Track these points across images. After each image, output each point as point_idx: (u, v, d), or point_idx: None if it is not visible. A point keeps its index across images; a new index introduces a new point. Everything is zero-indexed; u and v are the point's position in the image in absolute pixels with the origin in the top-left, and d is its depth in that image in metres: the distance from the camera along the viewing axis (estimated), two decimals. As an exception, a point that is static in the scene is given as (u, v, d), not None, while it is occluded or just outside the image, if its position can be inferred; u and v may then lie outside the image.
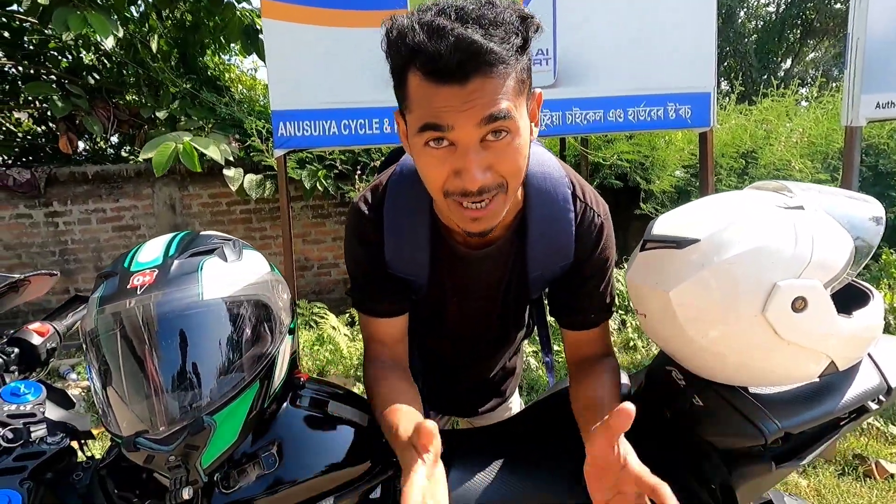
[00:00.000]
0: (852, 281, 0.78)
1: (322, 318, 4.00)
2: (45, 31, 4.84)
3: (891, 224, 5.20)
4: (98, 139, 5.06)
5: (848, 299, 0.73)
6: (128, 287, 0.63)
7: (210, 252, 0.70)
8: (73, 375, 4.12)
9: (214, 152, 3.63)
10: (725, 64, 12.74)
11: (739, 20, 12.68)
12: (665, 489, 0.56)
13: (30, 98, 5.16)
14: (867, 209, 0.71)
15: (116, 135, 5.34)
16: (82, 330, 0.66)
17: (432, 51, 0.58)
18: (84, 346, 0.66)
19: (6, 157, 5.13)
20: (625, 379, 0.95)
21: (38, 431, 0.76)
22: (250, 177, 4.24)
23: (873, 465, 2.20)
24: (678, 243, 0.72)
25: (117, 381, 0.63)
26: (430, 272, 0.85)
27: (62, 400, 0.87)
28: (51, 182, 4.35)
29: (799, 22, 12.40)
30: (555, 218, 0.81)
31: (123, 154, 5.61)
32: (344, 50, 3.30)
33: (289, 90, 3.42)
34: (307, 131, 3.70)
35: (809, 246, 0.66)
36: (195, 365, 0.63)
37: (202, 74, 5.16)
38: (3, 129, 5.33)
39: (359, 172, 4.17)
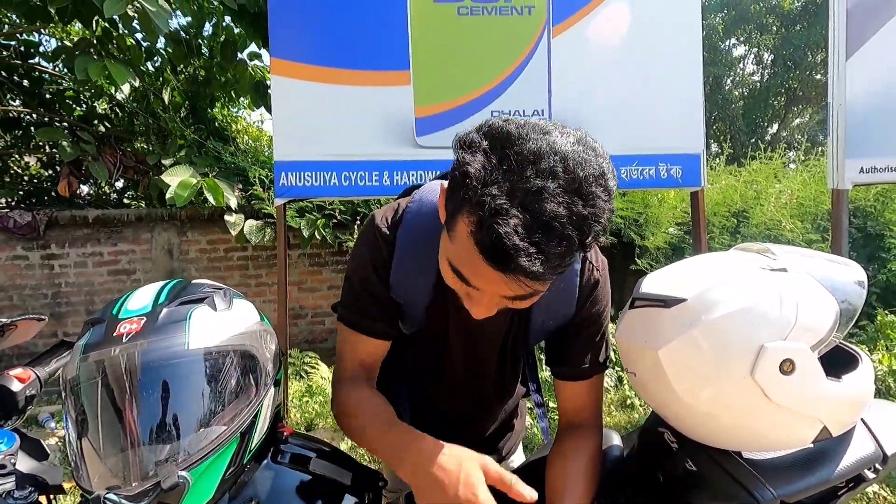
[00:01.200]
0: (840, 343, 0.78)
1: (313, 367, 3.93)
2: (62, 81, 5.06)
3: (883, 285, 5.24)
4: (102, 184, 5.16)
5: (836, 363, 0.73)
6: (114, 335, 0.63)
7: (200, 301, 0.70)
8: (52, 424, 3.96)
9: (228, 194, 3.70)
10: (714, 127, 13.27)
11: (727, 87, 13.33)
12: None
13: (40, 143, 5.30)
14: (849, 273, 0.72)
15: (121, 180, 5.46)
16: (63, 377, 0.65)
17: (491, 245, 0.56)
18: (63, 393, 0.64)
19: (10, 200, 5.20)
20: (617, 440, 0.93)
21: (6, 485, 0.73)
22: (250, 223, 4.29)
23: (883, 540, 2.09)
24: (665, 302, 0.73)
25: (93, 431, 0.61)
26: (430, 304, 0.85)
27: (35, 451, 0.84)
28: (51, 225, 4.39)
29: (783, 90, 13.05)
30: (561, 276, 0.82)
31: (126, 200, 5.70)
32: (347, 106, 3.44)
33: (292, 142, 3.54)
34: (308, 181, 3.78)
35: (794, 308, 0.67)
36: (175, 417, 0.62)
37: (210, 125, 5.33)
38: (11, 172, 5.44)
39: (358, 223, 4.23)
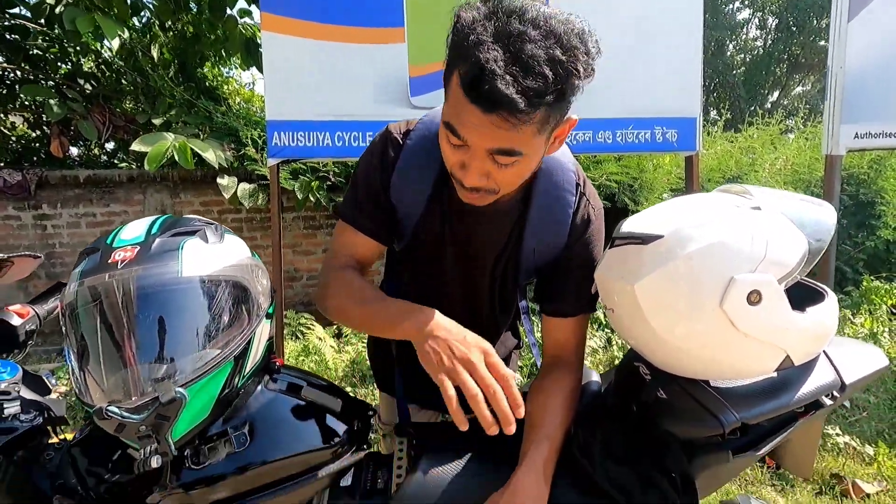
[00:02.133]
0: (809, 283, 0.82)
1: (309, 328, 3.99)
2: (48, 35, 4.90)
3: (871, 252, 5.31)
4: (92, 145, 5.08)
5: (804, 299, 0.76)
6: (109, 262, 0.65)
7: (192, 233, 0.72)
8: (53, 380, 4.06)
9: (210, 156, 3.66)
10: (714, 94, 13.10)
11: (728, 52, 13.08)
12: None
13: (26, 102, 5.18)
14: (821, 212, 0.75)
15: (111, 141, 5.37)
16: (62, 303, 0.67)
17: (473, 78, 0.63)
18: (62, 318, 0.67)
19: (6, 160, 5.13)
20: (596, 377, 0.98)
21: (11, 409, 0.77)
22: (244, 185, 4.26)
23: (850, 485, 2.21)
24: (643, 239, 0.75)
25: (93, 352, 0.64)
26: (424, 212, 0.90)
27: (38, 386, 0.88)
28: (42, 185, 4.34)
29: (785, 56, 12.82)
30: (556, 196, 0.88)
31: (116, 161, 5.63)
32: (340, 64, 3.37)
33: (284, 101, 3.48)
34: (301, 142, 3.74)
35: (764, 243, 0.69)
36: (170, 339, 0.65)
37: (200, 84, 5.22)
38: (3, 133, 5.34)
39: (351, 184, 4.22)
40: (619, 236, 0.80)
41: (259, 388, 0.78)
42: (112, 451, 0.73)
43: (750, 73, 12.86)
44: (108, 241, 0.69)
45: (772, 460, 2.42)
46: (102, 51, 5.31)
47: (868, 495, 2.17)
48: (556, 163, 0.88)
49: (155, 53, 4.83)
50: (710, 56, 12.07)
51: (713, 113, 12.34)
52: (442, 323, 0.74)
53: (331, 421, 0.80)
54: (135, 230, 0.71)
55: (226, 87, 6.23)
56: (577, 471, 0.77)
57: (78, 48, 4.93)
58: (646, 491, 0.72)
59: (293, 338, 3.90)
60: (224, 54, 5.03)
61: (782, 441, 0.76)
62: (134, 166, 5.14)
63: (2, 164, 4.95)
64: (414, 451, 0.89)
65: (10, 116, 5.80)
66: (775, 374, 0.76)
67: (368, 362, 1.28)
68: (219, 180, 4.18)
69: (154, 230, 0.71)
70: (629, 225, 0.80)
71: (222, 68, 6.06)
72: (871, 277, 4.67)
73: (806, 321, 0.72)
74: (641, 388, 0.83)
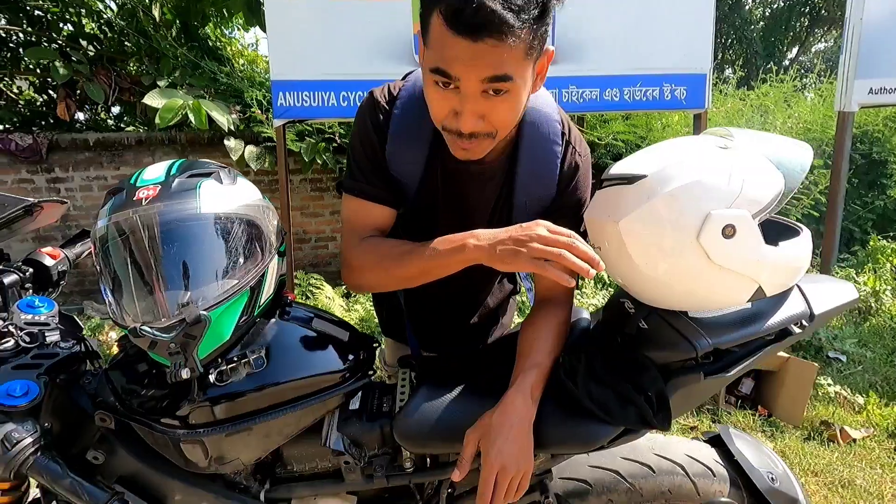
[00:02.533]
0: (786, 221, 0.87)
1: (318, 288, 4.10)
2: (46, -1, 4.84)
3: (880, 211, 5.26)
4: (99, 109, 5.09)
5: (780, 236, 0.81)
6: (134, 199, 0.72)
7: (207, 175, 0.78)
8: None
9: (220, 117, 3.69)
10: (730, 51, 12.66)
11: (747, 7, 12.56)
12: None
13: (31, 65, 5.18)
14: (797, 152, 0.78)
15: (117, 104, 5.38)
16: (93, 238, 0.74)
17: (456, 5, 0.64)
18: (94, 252, 0.74)
19: (7, 125, 5.18)
20: (585, 315, 1.04)
21: (53, 337, 0.85)
22: (251, 148, 4.29)
23: (837, 431, 2.31)
24: (629, 179, 0.80)
25: (125, 281, 0.71)
26: (423, 177, 0.92)
27: (71, 325, 0.96)
28: (52, 149, 4.40)
29: (806, 10, 12.29)
30: (543, 149, 0.90)
31: (123, 126, 5.65)
32: (345, 23, 3.34)
33: (289, 61, 3.47)
34: (306, 102, 3.75)
35: (740, 181, 0.74)
36: (192, 269, 0.72)
37: (203, 45, 5.17)
38: (4, 96, 5.36)
39: (357, 146, 4.23)
40: (606, 178, 0.85)
41: (274, 318, 0.85)
42: (145, 372, 0.81)
43: (769, 29, 12.38)
44: (132, 181, 0.75)
45: (764, 409, 2.52)
46: (105, 11, 5.25)
47: (854, 440, 2.27)
48: (541, 114, 0.91)
49: (156, 13, 4.77)
50: (726, 10, 11.60)
51: (728, 70, 11.97)
52: (491, 232, 0.80)
53: (339, 349, 0.87)
54: (155, 171, 0.77)
55: (229, 48, 6.16)
56: (563, 394, 0.85)
57: (80, 9, 4.88)
58: (624, 408, 0.79)
59: (303, 298, 4.01)
60: (225, 14, 4.94)
61: (751, 366, 0.82)
62: (141, 129, 5.17)
63: (11, 129, 5.01)
64: (416, 381, 0.97)
65: (15, 80, 5.81)
66: (749, 305, 0.82)
67: (377, 319, 1.34)
68: (226, 142, 4.21)
69: (173, 171, 0.77)
70: (616, 167, 0.85)
71: (224, 29, 5.97)
72: (879, 237, 4.66)
73: (778, 254, 0.77)
74: (625, 320, 0.89)
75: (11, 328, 0.81)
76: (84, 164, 4.49)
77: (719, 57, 12.59)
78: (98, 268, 0.74)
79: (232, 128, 4.13)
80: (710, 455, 1.07)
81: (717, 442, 1.12)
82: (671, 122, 4.87)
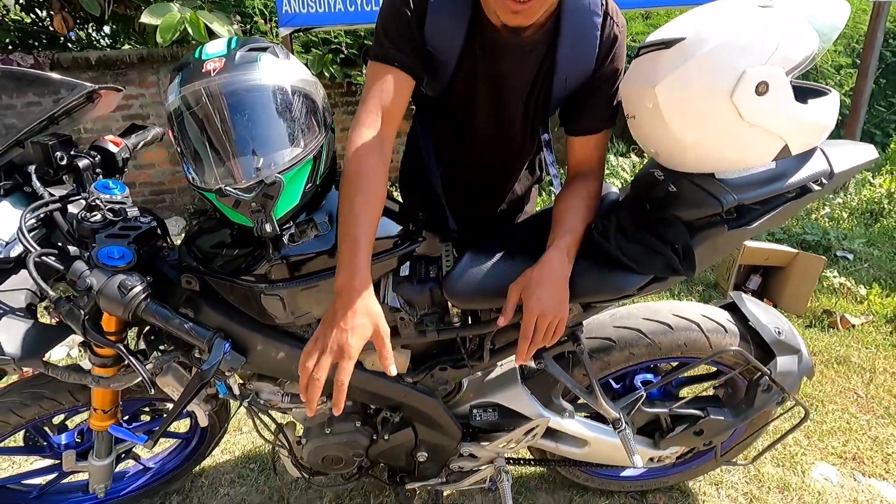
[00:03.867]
0: (815, 86, 0.90)
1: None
2: None
3: (906, 118, 5.05)
4: (90, 28, 4.90)
5: (807, 98, 0.85)
6: (202, 71, 0.77)
7: (264, 49, 0.82)
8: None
9: (220, 28, 3.57)
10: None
11: None
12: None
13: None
14: (835, 10, 0.80)
15: (109, 23, 5.14)
16: (167, 112, 0.80)
17: None
18: (170, 124, 0.80)
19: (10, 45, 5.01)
20: (615, 189, 1.11)
21: (132, 212, 0.94)
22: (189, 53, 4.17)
23: (838, 318, 2.45)
24: (667, 44, 0.83)
25: (202, 148, 0.78)
26: (461, 52, 0.95)
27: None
28: (54, 68, 4.30)
29: None
30: (584, 21, 0.92)
31: (116, 44, 5.43)
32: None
33: (292, -39, 3.29)
34: (312, 8, 3.60)
35: (776, 38, 0.77)
36: (263, 135, 0.78)
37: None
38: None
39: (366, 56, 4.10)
40: (644, 45, 0.88)
41: (332, 189, 0.93)
42: (225, 238, 0.91)
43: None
44: (197, 56, 0.80)
45: (769, 300, 2.66)
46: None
47: (853, 326, 2.42)
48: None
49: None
50: None
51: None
52: (347, 299, 0.76)
53: (391, 219, 0.96)
54: (217, 46, 0.81)
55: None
56: (595, 252, 0.94)
57: None
58: (653, 258, 0.88)
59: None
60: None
61: (771, 221, 0.89)
62: (138, 46, 4.99)
63: (10, 49, 4.86)
64: (457, 251, 1.06)
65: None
66: (773, 165, 0.88)
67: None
68: (230, 56, 4.10)
69: (233, 45, 0.81)
70: (654, 34, 0.87)
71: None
72: (901, 140, 4.57)
73: (806, 112, 0.81)
74: (654, 186, 0.96)
75: (99, 202, 0.89)
76: (87, 83, 4.40)
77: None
78: (175, 140, 0.81)
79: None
80: (723, 316, 1.19)
81: (730, 308, 1.24)
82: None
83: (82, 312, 0.80)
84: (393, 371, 0.76)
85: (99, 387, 0.97)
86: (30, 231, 0.87)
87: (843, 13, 0.81)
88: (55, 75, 1.05)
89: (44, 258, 0.84)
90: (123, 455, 1.34)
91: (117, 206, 0.93)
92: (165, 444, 1.56)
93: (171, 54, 4.40)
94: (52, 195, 0.95)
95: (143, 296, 0.83)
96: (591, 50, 0.95)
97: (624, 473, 1.47)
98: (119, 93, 1.06)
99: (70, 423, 1.32)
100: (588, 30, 0.93)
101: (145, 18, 3.61)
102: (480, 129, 1.11)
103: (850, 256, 3.18)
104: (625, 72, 0.97)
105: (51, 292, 0.81)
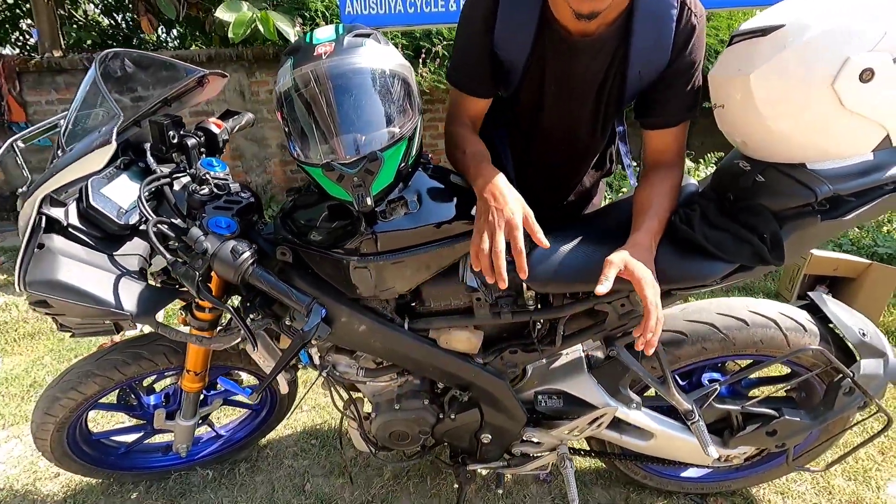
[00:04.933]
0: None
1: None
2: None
3: None
4: (179, 27, 5.22)
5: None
6: (314, 55, 0.83)
7: (367, 35, 0.87)
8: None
9: (287, 28, 3.74)
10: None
11: None
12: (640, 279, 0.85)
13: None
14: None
15: (180, 25, 5.47)
16: (277, 93, 0.86)
17: None
18: (280, 104, 0.87)
19: (84, 45, 5.43)
20: (694, 181, 1.10)
21: (234, 187, 1.02)
22: (299, 37, 4.34)
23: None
24: (764, 31, 0.82)
25: (307, 126, 0.84)
26: (529, 55, 0.99)
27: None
28: (132, 67, 4.62)
29: None
30: (659, 15, 0.92)
31: (183, 45, 5.77)
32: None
33: (356, -35, 3.41)
34: (373, 9, 3.71)
35: (886, 23, 0.75)
36: (367, 114, 0.83)
37: (262, -46, 5.08)
38: (79, 22, 5.57)
39: (423, 57, 4.18)
40: (737, 33, 0.88)
41: (420, 171, 0.97)
42: (319, 213, 0.97)
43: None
44: (308, 41, 0.86)
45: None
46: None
47: (931, 344, 2.27)
48: None
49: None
50: None
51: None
52: (501, 187, 0.88)
53: (472, 202, 0.99)
54: (326, 32, 0.87)
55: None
56: (679, 240, 0.94)
57: None
58: (740, 246, 0.88)
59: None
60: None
61: (868, 214, 0.87)
62: (202, 47, 5.27)
63: (95, 50, 5.25)
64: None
65: (80, 4, 5.99)
66: (871, 156, 0.85)
67: None
68: (293, 56, 4.28)
69: (341, 31, 0.86)
70: (749, 22, 0.87)
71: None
72: None
73: (912, 101, 0.79)
74: (739, 177, 0.95)
75: (208, 177, 0.97)
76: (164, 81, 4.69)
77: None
78: (283, 120, 0.87)
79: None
80: (802, 315, 1.15)
81: (810, 309, 1.20)
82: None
83: (197, 274, 0.88)
84: (546, 244, 0.86)
85: (201, 346, 1.05)
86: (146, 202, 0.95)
87: (958, -1, 0.78)
88: (178, 61, 1.15)
89: (159, 226, 0.92)
90: (201, 421, 1.43)
91: (221, 182, 1.01)
92: (236, 414, 1.66)
93: (237, 54, 4.63)
94: (162, 171, 1.04)
95: (252, 260, 0.89)
96: (666, 41, 0.94)
97: (684, 474, 1.44)
98: (224, 78, 1.15)
99: (157, 387, 1.43)
100: (664, 20, 0.93)
101: (220, 14, 3.82)
102: (549, 128, 1.14)
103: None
104: (707, 61, 0.97)
105: (167, 255, 0.89)
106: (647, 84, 1.01)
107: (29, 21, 5.92)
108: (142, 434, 1.45)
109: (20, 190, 0.95)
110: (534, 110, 1.12)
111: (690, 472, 1.44)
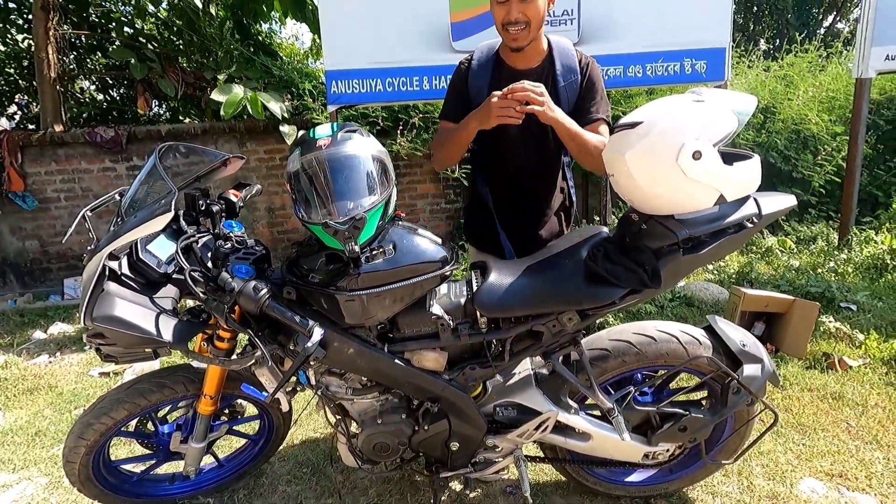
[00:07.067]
0: (743, 153, 1.24)
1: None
2: (104, 4, 5.41)
3: (908, 174, 5.32)
4: (171, 102, 5.65)
5: (736, 161, 1.19)
6: (316, 146, 1.16)
7: (354, 130, 1.21)
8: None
9: (275, 107, 4.18)
10: (763, 21, 12.49)
11: (779, -24, 12.28)
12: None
13: (93, 67, 5.79)
14: (745, 102, 1.16)
15: (176, 102, 5.94)
16: (288, 173, 1.19)
17: None
18: (290, 180, 1.18)
19: (83, 120, 5.82)
20: (605, 229, 1.44)
21: (250, 242, 1.32)
22: (303, 132, 4.78)
23: (836, 360, 2.63)
24: (631, 125, 1.19)
25: (310, 196, 1.16)
26: (489, 84, 1.53)
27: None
28: (130, 139, 4.98)
29: (842, -26, 11.95)
30: (567, 53, 1.55)
31: (181, 117, 6.24)
32: (387, 13, 3.78)
33: (340, 52, 3.94)
34: (356, 89, 4.21)
35: (705, 122, 1.12)
36: (355, 187, 1.15)
37: (255, 40, 5.66)
38: (76, 98, 5.98)
39: (400, 128, 4.65)
40: (617, 126, 1.24)
41: (393, 226, 1.29)
42: (317, 260, 1.26)
43: (803, -3, 12.12)
44: (311, 136, 1.19)
45: (772, 345, 2.85)
46: (160, 12, 5.80)
47: (851, 367, 2.59)
48: (562, 41, 1.55)
49: (213, 9, 5.27)
50: (758, -19, 11.41)
51: (762, 42, 11.83)
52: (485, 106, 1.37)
53: (436, 248, 1.30)
54: (324, 129, 1.21)
55: (273, 40, 6.66)
56: (588, 272, 1.26)
57: (135, 9, 5.42)
58: (629, 276, 1.20)
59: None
60: (278, 9, 5.37)
61: (716, 252, 1.20)
62: (197, 121, 5.73)
63: (95, 124, 5.64)
64: (483, 274, 1.39)
65: (77, 82, 6.46)
66: (716, 209, 1.20)
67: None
68: (281, 128, 4.70)
69: (335, 129, 1.20)
70: (624, 119, 1.24)
71: (264, 23, 6.46)
72: (901, 201, 4.80)
73: (732, 171, 1.15)
74: (631, 225, 1.29)
75: (231, 235, 1.27)
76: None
77: (751, 29, 12.43)
78: (292, 190, 1.19)
79: (285, 115, 4.63)
80: (700, 332, 1.47)
81: (708, 329, 1.51)
82: (693, 95, 5.09)
83: (225, 307, 1.15)
84: (550, 110, 1.36)
85: (222, 366, 1.30)
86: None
87: (752, 103, 1.17)
88: (207, 148, 1.47)
89: (193, 273, 1.20)
90: (208, 447, 1.63)
91: (239, 238, 1.31)
92: (237, 444, 1.85)
93: (230, 127, 5.06)
94: (191, 232, 1.33)
95: (269, 295, 1.18)
96: (575, 65, 1.50)
97: (629, 479, 1.68)
98: (242, 160, 1.47)
99: (170, 418, 1.64)
100: (570, 56, 1.52)
101: (215, 96, 4.27)
102: (520, 146, 1.56)
103: (854, 307, 3.37)
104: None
105: (201, 294, 1.17)
106: (573, 100, 1.51)
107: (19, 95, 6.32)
108: (153, 462, 1.64)
109: (88, 248, 1.22)
110: (505, 135, 1.52)
111: (634, 477, 1.68)
